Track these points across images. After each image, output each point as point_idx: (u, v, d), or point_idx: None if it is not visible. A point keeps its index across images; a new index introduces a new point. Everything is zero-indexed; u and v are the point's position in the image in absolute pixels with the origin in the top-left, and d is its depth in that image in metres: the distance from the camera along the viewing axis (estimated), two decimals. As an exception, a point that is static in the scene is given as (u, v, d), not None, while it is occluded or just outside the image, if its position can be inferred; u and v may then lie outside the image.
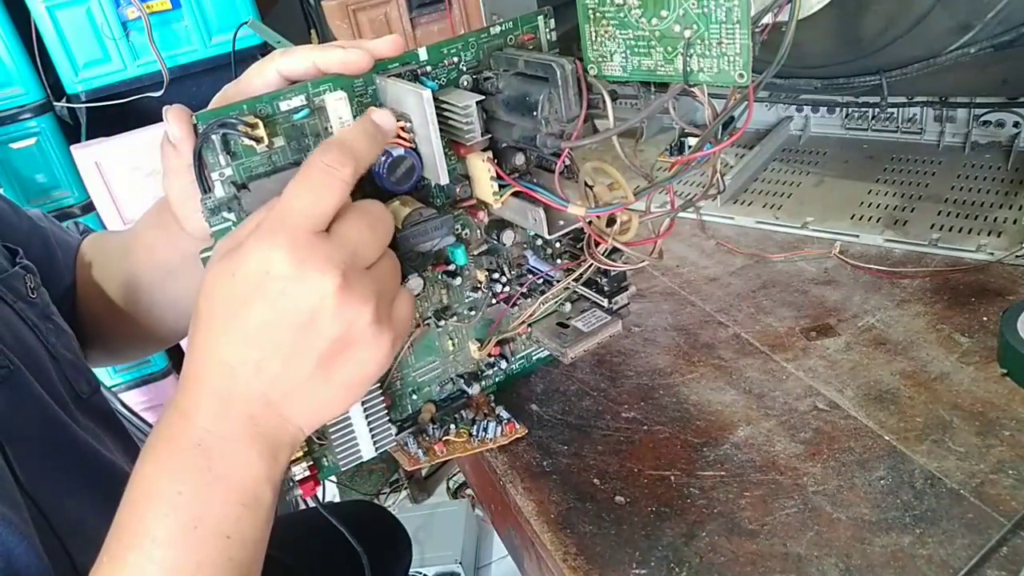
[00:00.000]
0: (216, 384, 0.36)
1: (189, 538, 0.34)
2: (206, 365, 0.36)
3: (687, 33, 0.38)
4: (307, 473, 0.48)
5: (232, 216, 0.43)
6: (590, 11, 0.42)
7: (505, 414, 0.56)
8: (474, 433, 0.55)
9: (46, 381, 0.52)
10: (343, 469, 0.50)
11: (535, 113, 0.41)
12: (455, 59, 0.46)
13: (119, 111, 1.38)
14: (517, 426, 0.55)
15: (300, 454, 0.48)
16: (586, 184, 0.45)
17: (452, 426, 0.55)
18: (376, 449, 0.49)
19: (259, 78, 0.44)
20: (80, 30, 1.38)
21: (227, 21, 1.46)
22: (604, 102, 0.41)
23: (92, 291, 0.63)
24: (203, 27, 1.46)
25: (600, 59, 0.43)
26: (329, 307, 0.35)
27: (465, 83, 0.46)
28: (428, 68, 0.45)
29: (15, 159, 1.43)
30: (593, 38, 0.43)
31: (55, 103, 1.43)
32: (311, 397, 0.37)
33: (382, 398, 0.48)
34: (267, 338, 0.35)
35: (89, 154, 1.37)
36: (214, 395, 0.36)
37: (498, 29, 0.47)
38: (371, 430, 0.48)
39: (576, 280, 0.53)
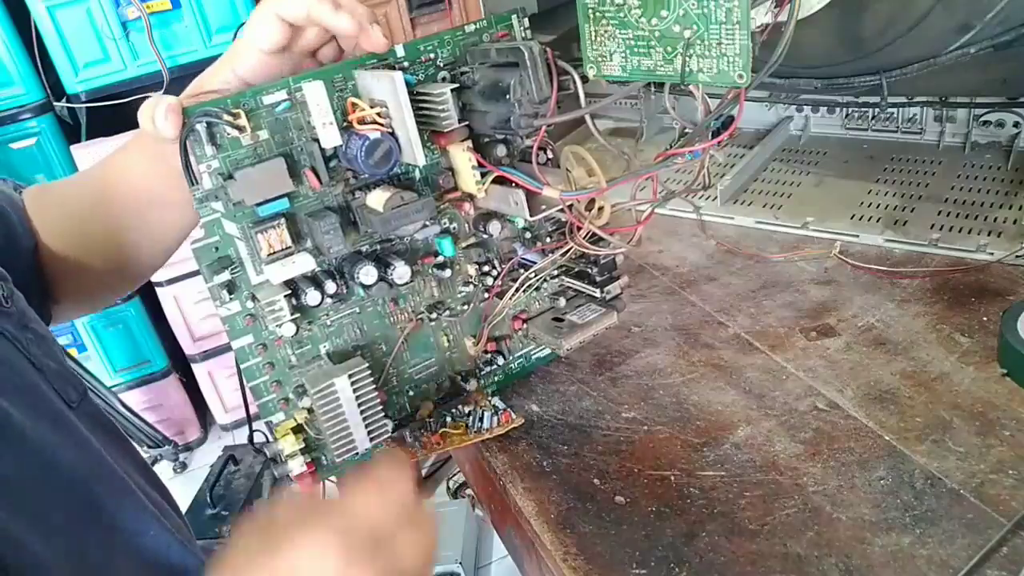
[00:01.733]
0: None
1: None
2: None
3: (687, 33, 0.38)
4: (304, 468, 0.48)
5: (219, 206, 0.44)
6: (590, 11, 0.42)
7: (500, 404, 0.56)
8: (470, 425, 0.55)
9: (33, 397, 0.50)
10: (339, 462, 0.50)
11: (508, 96, 0.42)
12: (431, 56, 0.47)
13: (119, 111, 1.39)
14: (512, 415, 0.55)
15: (297, 449, 0.48)
16: (566, 170, 0.46)
17: (448, 418, 0.55)
18: (371, 441, 0.49)
19: (261, 24, 0.45)
20: (80, 30, 1.39)
21: (227, 21, 1.46)
22: (574, 82, 0.42)
23: (54, 243, 0.60)
24: (203, 27, 1.46)
25: (600, 59, 0.43)
26: None
27: (443, 79, 0.48)
28: (406, 64, 0.47)
29: (15, 159, 1.43)
30: (593, 38, 0.43)
31: (55, 103, 1.44)
32: None
33: (375, 391, 0.49)
34: None
35: (89, 154, 1.37)
36: None
37: (473, 27, 0.48)
38: (365, 422, 0.49)
39: (556, 264, 0.54)
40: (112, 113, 1.41)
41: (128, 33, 1.41)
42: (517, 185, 0.46)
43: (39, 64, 1.40)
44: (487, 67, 0.46)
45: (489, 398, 0.57)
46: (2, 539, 0.44)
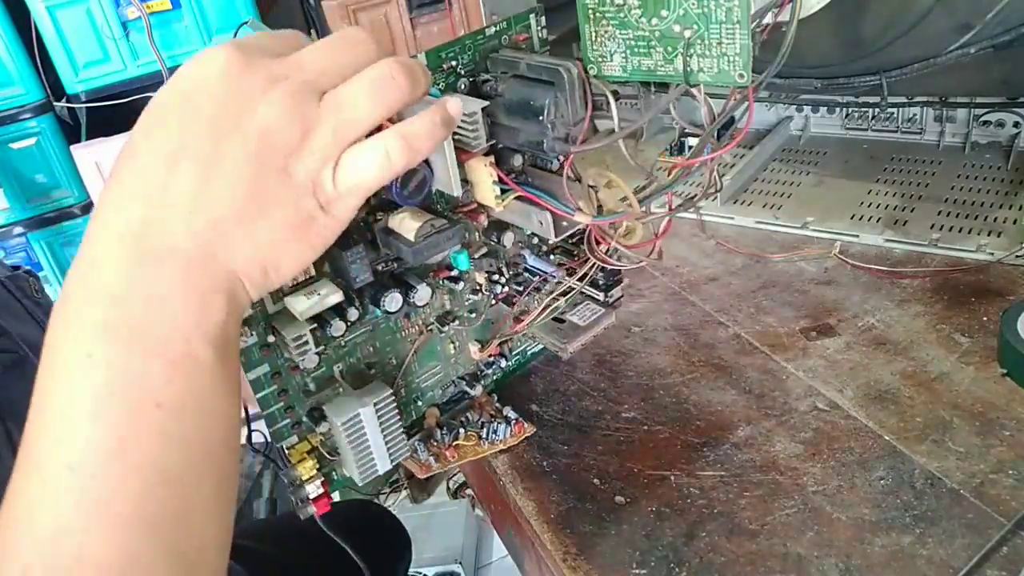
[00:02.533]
0: (125, 218, 0.29)
1: (108, 410, 0.28)
2: (114, 202, 0.30)
3: (687, 33, 0.38)
4: (320, 491, 0.47)
5: None
6: (590, 11, 0.42)
7: (513, 414, 0.56)
8: (484, 436, 0.55)
9: None
10: (361, 484, 0.49)
11: (541, 117, 0.41)
12: (453, 63, 0.45)
13: (119, 111, 1.39)
14: (525, 425, 0.55)
15: (314, 472, 0.47)
16: (589, 186, 0.45)
17: (461, 430, 0.55)
18: (391, 461, 0.48)
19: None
20: (80, 30, 1.38)
21: (227, 21, 1.46)
22: (608, 103, 0.41)
23: None
24: (203, 27, 1.46)
25: (600, 59, 0.43)
26: (263, 110, 0.30)
27: (463, 87, 0.46)
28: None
29: (15, 159, 1.43)
30: (593, 38, 0.43)
31: (55, 103, 1.43)
32: (243, 230, 0.30)
33: (396, 409, 0.48)
34: (181, 153, 0.29)
35: (89, 154, 1.37)
36: (122, 234, 0.29)
37: (493, 30, 0.46)
38: (386, 442, 0.48)
39: (581, 279, 0.53)
40: (112, 113, 1.41)
41: (128, 33, 1.41)
42: (538, 204, 0.44)
43: (39, 64, 1.39)
44: (512, 78, 0.43)
45: (495, 403, 0.57)
46: None
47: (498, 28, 0.47)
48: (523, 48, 0.48)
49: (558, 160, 0.45)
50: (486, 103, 0.43)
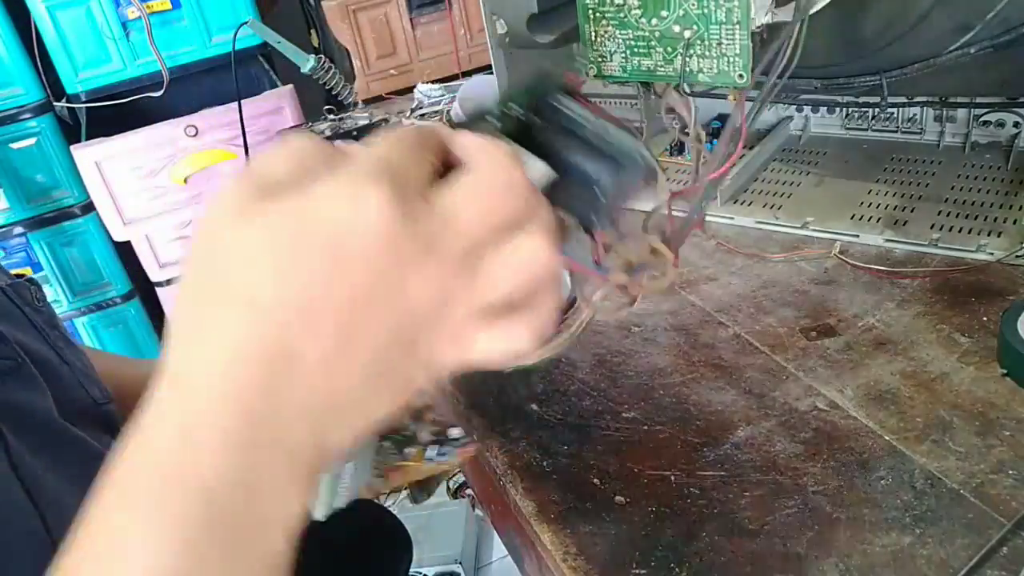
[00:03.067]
0: (237, 387, 0.24)
1: None
2: (220, 350, 0.24)
3: (687, 33, 0.38)
4: None
5: None
6: (590, 11, 0.42)
7: (457, 432, 0.50)
8: (430, 457, 0.52)
9: (56, 383, 0.52)
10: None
11: (596, 190, 0.36)
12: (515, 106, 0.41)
13: (119, 111, 1.39)
14: (470, 448, 0.50)
15: None
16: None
17: (408, 449, 0.52)
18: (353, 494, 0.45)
19: None
20: (80, 30, 1.39)
21: (227, 21, 1.46)
22: (656, 176, 0.40)
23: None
24: (203, 27, 1.46)
25: (600, 59, 0.43)
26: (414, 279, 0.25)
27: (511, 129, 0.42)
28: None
29: (15, 159, 1.43)
30: (593, 38, 0.43)
31: (55, 103, 1.44)
32: (359, 409, 0.27)
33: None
34: (314, 315, 0.24)
35: (89, 154, 1.37)
36: (233, 412, 0.24)
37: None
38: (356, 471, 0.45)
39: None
40: (112, 113, 1.41)
41: (128, 33, 1.41)
42: (573, 269, 0.40)
43: (39, 64, 1.40)
44: (564, 134, 0.37)
45: (436, 416, 0.54)
46: (37, 483, 0.47)
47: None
48: (577, 94, 0.42)
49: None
50: (554, 175, 0.36)
